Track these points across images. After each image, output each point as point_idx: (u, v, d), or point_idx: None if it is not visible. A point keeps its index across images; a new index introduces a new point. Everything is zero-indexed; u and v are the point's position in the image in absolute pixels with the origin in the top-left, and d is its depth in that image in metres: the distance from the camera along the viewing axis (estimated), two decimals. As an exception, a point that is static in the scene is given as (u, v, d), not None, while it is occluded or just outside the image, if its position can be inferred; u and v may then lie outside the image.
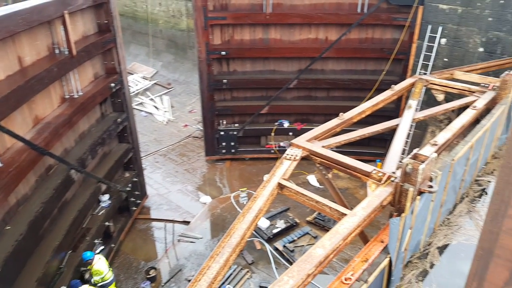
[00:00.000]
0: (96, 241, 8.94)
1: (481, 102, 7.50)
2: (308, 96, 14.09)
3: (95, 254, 8.24)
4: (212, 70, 13.12)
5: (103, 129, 9.52)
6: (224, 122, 13.96)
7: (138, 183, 11.51)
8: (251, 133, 14.09)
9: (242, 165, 14.13)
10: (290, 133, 13.78)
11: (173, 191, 12.93)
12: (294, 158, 5.60)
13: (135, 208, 11.44)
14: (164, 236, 10.87)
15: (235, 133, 13.80)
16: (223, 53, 12.79)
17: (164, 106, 18.23)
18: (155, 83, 19.95)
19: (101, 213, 9.40)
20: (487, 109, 7.58)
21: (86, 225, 8.96)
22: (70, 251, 8.14)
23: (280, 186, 5.37)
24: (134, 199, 11.33)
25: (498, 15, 10.85)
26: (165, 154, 14.97)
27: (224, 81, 13.20)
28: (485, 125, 6.69)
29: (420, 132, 13.12)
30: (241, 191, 11.90)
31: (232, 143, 13.91)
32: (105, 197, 9.71)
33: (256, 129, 14.07)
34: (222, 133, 13.79)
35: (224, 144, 13.94)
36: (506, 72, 7.97)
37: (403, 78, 12.11)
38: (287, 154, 5.69)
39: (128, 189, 10.68)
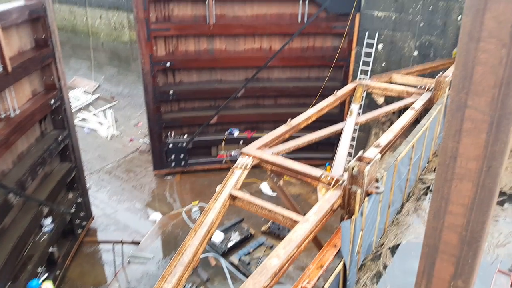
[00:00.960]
0: (39, 269, 8.29)
1: (419, 103, 7.89)
2: (257, 104, 14.16)
3: (42, 281, 7.63)
4: (157, 81, 12.79)
5: (43, 148, 8.98)
6: (172, 134, 13.61)
7: (82, 204, 10.87)
8: (201, 144, 13.86)
9: (193, 178, 13.82)
10: (241, 142, 13.73)
11: (121, 210, 12.34)
12: (245, 167, 5.52)
13: (80, 231, 10.78)
14: (113, 259, 10.29)
15: (184, 145, 13.50)
16: (168, 64, 12.52)
17: (108, 120, 17.47)
18: (98, 98, 19.10)
19: (43, 238, 8.77)
20: (425, 109, 7.99)
21: (27, 252, 8.31)
22: (9, 283, 7.48)
23: (232, 197, 5.25)
24: (79, 221, 10.68)
25: (428, 21, 11.60)
26: (111, 171, 14.29)
27: (170, 92, 12.91)
28: (424, 124, 7.03)
29: (365, 135, 13.61)
30: (193, 205, 11.60)
31: (182, 156, 13.59)
32: (48, 221, 9.09)
33: (206, 139, 13.87)
34: (170, 145, 13.42)
35: (173, 157, 13.57)
36: (440, 73, 8.49)
37: (345, 83, 12.55)
38: (238, 164, 5.60)
39: (72, 210, 10.06)
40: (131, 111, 18.17)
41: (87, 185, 11.68)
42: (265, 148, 5.99)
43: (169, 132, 13.58)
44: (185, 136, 13.75)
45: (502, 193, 8.07)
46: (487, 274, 5.19)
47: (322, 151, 13.96)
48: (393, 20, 12.17)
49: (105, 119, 17.62)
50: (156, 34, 12.20)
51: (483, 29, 1.46)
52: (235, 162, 5.85)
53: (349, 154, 13.33)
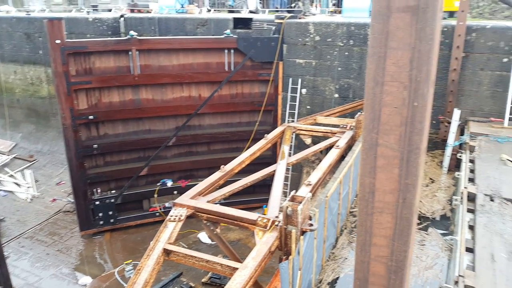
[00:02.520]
0: None
1: (342, 141, 8.39)
2: (189, 152, 14.02)
3: None
4: (80, 136, 12.17)
5: None
6: (99, 191, 12.81)
7: (0, 276, 9.60)
8: (132, 198, 13.21)
9: (124, 235, 12.98)
10: (175, 192, 13.33)
11: (46, 277, 11.11)
12: (179, 218, 5.34)
13: (-6, 309, 9.42)
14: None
15: (112, 200, 12.75)
16: (91, 117, 12.05)
17: (26, 181, 16.04)
18: (14, 157, 17.58)
19: None
20: (349, 146, 8.50)
21: None
22: None
23: (166, 252, 5.00)
24: (-8, 298, 9.36)
25: (345, 65, 12.66)
26: (32, 235, 12.94)
27: (95, 146, 12.32)
28: (349, 161, 7.45)
29: (297, 174, 14.02)
30: (126, 264, 10.83)
31: (110, 212, 12.78)
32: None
33: (137, 192, 13.26)
34: (97, 202, 12.59)
35: (101, 214, 12.70)
36: (359, 113, 9.18)
37: (275, 126, 13.01)
38: (171, 216, 5.40)
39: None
40: (53, 169, 16.93)
41: (5, 254, 10.39)
42: (199, 196, 5.88)
43: (95, 189, 12.78)
44: (113, 191, 13.04)
45: (425, 218, 8.68)
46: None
47: (259, 194, 14.02)
48: (314, 66, 13.09)
49: (24, 180, 16.18)
50: (76, 87, 11.79)
51: (386, 74, 1.62)
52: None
53: (285, 194, 13.62)
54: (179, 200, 5.67)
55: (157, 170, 13.39)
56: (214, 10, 16.79)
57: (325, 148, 8.77)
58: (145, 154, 13.30)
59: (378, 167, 1.78)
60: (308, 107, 13.54)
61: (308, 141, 9.54)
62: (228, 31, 13.30)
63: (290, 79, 13.40)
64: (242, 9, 18.14)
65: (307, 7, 14.40)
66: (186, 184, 13.39)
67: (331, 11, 15.35)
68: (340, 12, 15.29)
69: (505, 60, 11.05)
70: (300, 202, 4.75)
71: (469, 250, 5.60)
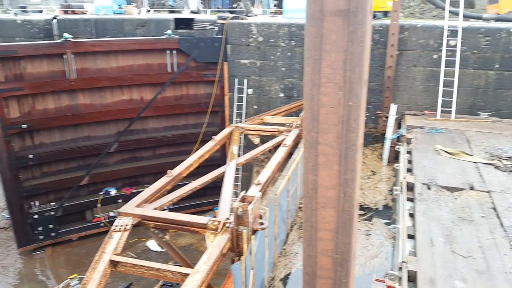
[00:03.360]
0: None
1: (289, 140, 8.56)
2: (133, 158, 13.54)
3: None
4: (13, 146, 11.30)
5: None
6: (37, 203, 11.98)
7: None
8: (73, 209, 12.51)
9: (67, 248, 12.27)
10: (120, 200, 12.82)
11: (-21, 303, 10.23)
12: (125, 228, 5.14)
13: None
14: None
15: (52, 213, 12.00)
16: (24, 126, 11.24)
17: (-49, 199, 14.62)
18: None
19: None
20: (296, 144, 8.69)
21: None
22: None
23: (113, 263, 4.79)
24: None
25: (288, 65, 12.91)
26: (-39, 258, 11.84)
27: (30, 156, 11.52)
28: (296, 158, 7.62)
29: (248, 173, 14.09)
30: (71, 279, 10.25)
31: (51, 226, 12.02)
32: None
33: (79, 203, 12.58)
34: (35, 216, 11.77)
35: (40, 229, 11.90)
36: (303, 111, 9.40)
37: (223, 127, 12.96)
38: (116, 226, 5.18)
39: None
40: (-17, 183, 15.59)
41: None
42: (145, 204, 5.69)
43: (32, 202, 11.94)
44: (53, 203, 12.27)
45: (369, 209, 9.10)
46: (367, 284, 5.68)
47: (210, 196, 13.89)
48: (258, 66, 13.22)
49: None
50: (6, 94, 10.94)
51: (322, 76, 1.67)
52: None
53: (236, 194, 13.62)
54: (124, 209, 5.46)
55: (99, 178, 12.79)
56: (154, 11, 16.37)
57: (273, 147, 8.89)
58: (85, 162, 12.65)
59: (320, 164, 1.83)
60: (255, 107, 13.65)
61: (256, 140, 9.63)
62: (169, 31, 13.03)
63: (236, 80, 13.42)
64: (183, 9, 17.90)
65: (248, 8, 14.50)
66: (131, 192, 12.93)
67: (273, 12, 15.58)
68: (281, 13, 15.59)
69: (435, 56, 11.87)
70: (251, 202, 4.77)
71: (411, 236, 5.94)
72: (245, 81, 13.36)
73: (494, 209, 6.56)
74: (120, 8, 15.65)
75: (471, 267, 5.08)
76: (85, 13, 15.44)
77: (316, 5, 1.52)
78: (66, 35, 11.51)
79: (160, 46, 12.64)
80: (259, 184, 5.99)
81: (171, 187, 6.49)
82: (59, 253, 12.11)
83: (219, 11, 17.32)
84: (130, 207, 5.51)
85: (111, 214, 12.86)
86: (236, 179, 13.10)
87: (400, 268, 5.19)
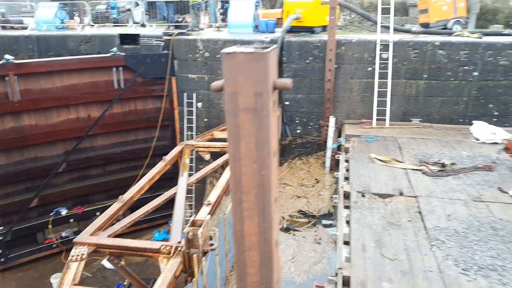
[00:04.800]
0: None
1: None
2: (83, 176, 13.42)
3: None
4: (-45, 172, 10.90)
5: None
6: (-16, 230, 11.63)
7: None
8: (23, 232, 12.21)
9: (19, 273, 11.95)
10: (72, 220, 12.71)
11: None
12: (81, 258, 5.34)
13: None
14: None
15: (1, 238, 11.66)
16: (-34, 151, 10.88)
17: None
18: None
19: None
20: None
21: None
22: None
23: (71, 293, 4.99)
24: None
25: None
26: None
27: (-26, 182, 11.15)
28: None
29: (202, 185, 14.42)
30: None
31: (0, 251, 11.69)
32: None
33: (29, 226, 12.30)
34: (-18, 243, 11.42)
35: (-12, 255, 11.54)
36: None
37: (173, 141, 13.23)
38: (72, 256, 5.37)
39: None
40: None
41: None
42: (99, 232, 5.92)
43: (-22, 228, 11.55)
44: (1, 227, 11.92)
45: (313, 217, 9.81)
46: (311, 291, 6.28)
47: (164, 209, 13.96)
48: (207, 80, 13.60)
49: None
50: None
51: (241, 152, 2.15)
52: (67, 244, 5.58)
53: (191, 207, 13.91)
54: (79, 238, 5.65)
55: (49, 199, 12.58)
56: (98, 26, 16.23)
57: (223, 163, 9.28)
58: (34, 183, 12.39)
59: (244, 217, 2.32)
60: (206, 119, 14.01)
61: (207, 157, 9.99)
62: (115, 49, 13.08)
63: (185, 94, 13.72)
64: (128, 22, 17.85)
65: (195, 23, 14.83)
66: (83, 210, 12.85)
67: (218, 26, 16.03)
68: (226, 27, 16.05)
69: (369, 69, 12.90)
70: (200, 226, 5.17)
71: (347, 243, 6.63)
72: (194, 95, 13.70)
73: (420, 212, 7.43)
74: (62, 23, 15.37)
75: (397, 269, 5.83)
76: (26, 28, 14.99)
77: (233, 104, 2.01)
78: (7, 56, 11.24)
79: (106, 64, 12.67)
80: (209, 204, 6.40)
81: (123, 212, 6.72)
82: (10, 278, 11.77)
83: (165, 23, 17.41)
84: (85, 236, 5.70)
85: (63, 234, 12.68)
86: (190, 191, 13.42)
87: (337, 274, 5.84)
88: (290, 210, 9.70)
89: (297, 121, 13.62)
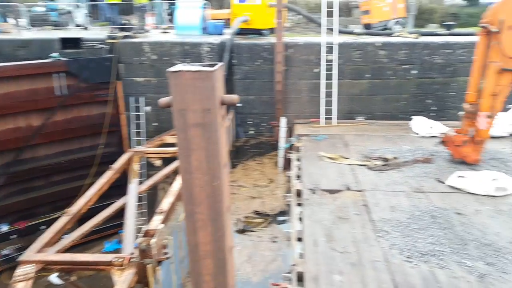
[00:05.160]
0: None
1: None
2: (25, 189, 12.63)
3: None
4: None
5: None
6: None
7: None
8: (-41, 254, 11.33)
9: (-45, 297, 11.06)
10: (14, 236, 11.95)
11: None
12: (28, 277, 5.08)
13: None
14: None
15: None
16: None
17: None
18: None
19: None
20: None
21: None
22: None
23: (18, 315, 4.74)
24: None
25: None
26: None
27: None
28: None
29: (153, 191, 14.12)
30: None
31: None
32: None
33: (-35, 246, 11.43)
34: None
35: None
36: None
37: (121, 148, 12.84)
38: (18, 276, 5.09)
39: None
40: None
41: None
42: (46, 248, 5.66)
43: None
44: None
45: (268, 216, 10.00)
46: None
47: (114, 219, 13.51)
48: (155, 84, 13.35)
49: None
50: None
51: (192, 166, 2.20)
52: (11, 262, 5.29)
53: (142, 215, 13.57)
54: (25, 256, 5.36)
55: (-12, 215, 11.75)
56: (37, 29, 15.36)
57: (176, 169, 9.18)
58: (-31, 200, 11.53)
59: (198, 227, 2.37)
60: (155, 123, 13.74)
61: (157, 163, 9.83)
62: (55, 53, 12.47)
63: (131, 98, 13.37)
64: (69, 25, 17.07)
65: (141, 25, 14.50)
66: (26, 225, 12.12)
67: (165, 28, 15.78)
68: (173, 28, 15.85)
69: (316, 70, 13.34)
70: (153, 236, 5.12)
71: (300, 239, 6.86)
72: (142, 99, 13.39)
73: (366, 206, 7.85)
74: (-6, 26, 14.39)
75: (347, 261, 6.13)
76: (-49, 33, 13.86)
77: (182, 120, 2.06)
78: None
79: (46, 70, 12.03)
80: (162, 212, 6.33)
81: (71, 225, 6.47)
82: None
83: (108, 26, 16.85)
84: (31, 253, 5.42)
85: (4, 252, 11.89)
86: (141, 199, 13.10)
87: (291, 271, 6.03)
88: (245, 211, 9.82)
89: (250, 123, 13.78)
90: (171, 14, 19.65)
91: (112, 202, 7.41)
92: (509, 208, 7.63)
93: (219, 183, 2.20)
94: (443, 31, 16.53)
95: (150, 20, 16.91)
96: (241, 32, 14.01)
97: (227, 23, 19.14)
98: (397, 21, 17.77)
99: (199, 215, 2.30)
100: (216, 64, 2.04)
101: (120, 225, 13.46)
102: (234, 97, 2.05)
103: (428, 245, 6.46)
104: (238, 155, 13.66)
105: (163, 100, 2.06)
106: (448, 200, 7.96)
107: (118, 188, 10.73)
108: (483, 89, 8.75)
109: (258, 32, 14.31)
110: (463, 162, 9.54)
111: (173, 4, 17.07)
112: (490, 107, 8.79)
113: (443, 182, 8.70)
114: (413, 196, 8.16)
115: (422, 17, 33.97)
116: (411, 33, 14.85)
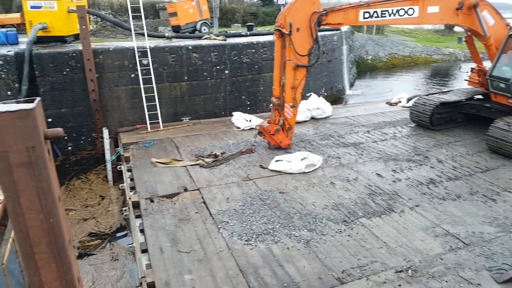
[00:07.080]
0: None
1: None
2: None
3: None
4: None
5: None
6: None
7: None
8: None
9: None
10: None
11: None
12: None
13: None
14: None
15: None
16: None
17: None
18: None
19: None
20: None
21: None
22: None
23: None
24: None
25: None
26: None
27: None
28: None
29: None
30: None
31: None
32: None
33: None
34: None
35: None
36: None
37: None
38: None
39: None
40: None
41: None
42: None
43: None
44: None
45: (106, 235, 9.46)
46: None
47: None
48: None
49: None
50: None
51: (22, 207, 2.06)
52: None
53: None
54: None
55: None
56: None
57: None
58: None
59: (40, 267, 2.24)
60: None
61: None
62: None
63: None
64: None
65: None
66: None
67: None
68: None
69: (132, 75, 13.10)
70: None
71: (145, 251, 6.80)
72: None
73: (204, 202, 8.28)
74: None
75: (193, 259, 6.42)
76: None
77: (4, 163, 1.91)
78: None
79: None
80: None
81: None
82: None
83: None
84: None
85: None
86: None
87: (141, 284, 5.98)
88: (79, 236, 9.04)
89: (66, 138, 12.58)
90: None
91: None
92: (318, 180, 9.26)
93: (56, 219, 2.13)
94: (245, 31, 18.48)
95: None
96: (41, 40, 12.62)
97: (19, 28, 16.90)
98: (204, 22, 18.97)
99: (39, 254, 2.17)
100: (33, 100, 1.97)
101: None
102: (58, 130, 2.03)
103: (262, 226, 7.31)
104: (58, 176, 12.31)
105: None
106: (272, 182, 9.12)
107: None
108: (285, 84, 10.28)
109: (60, 40, 13.13)
110: (279, 148, 11.03)
111: None
112: (292, 98, 10.40)
113: (265, 168, 9.89)
114: (243, 185, 9.03)
115: (226, 17, 36.93)
116: (217, 35, 16.09)
